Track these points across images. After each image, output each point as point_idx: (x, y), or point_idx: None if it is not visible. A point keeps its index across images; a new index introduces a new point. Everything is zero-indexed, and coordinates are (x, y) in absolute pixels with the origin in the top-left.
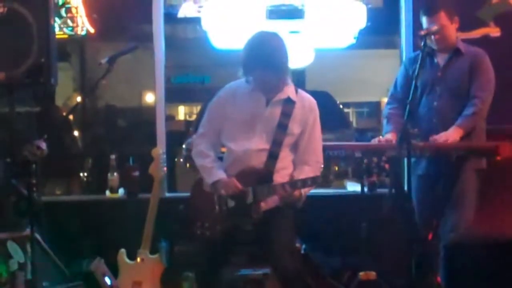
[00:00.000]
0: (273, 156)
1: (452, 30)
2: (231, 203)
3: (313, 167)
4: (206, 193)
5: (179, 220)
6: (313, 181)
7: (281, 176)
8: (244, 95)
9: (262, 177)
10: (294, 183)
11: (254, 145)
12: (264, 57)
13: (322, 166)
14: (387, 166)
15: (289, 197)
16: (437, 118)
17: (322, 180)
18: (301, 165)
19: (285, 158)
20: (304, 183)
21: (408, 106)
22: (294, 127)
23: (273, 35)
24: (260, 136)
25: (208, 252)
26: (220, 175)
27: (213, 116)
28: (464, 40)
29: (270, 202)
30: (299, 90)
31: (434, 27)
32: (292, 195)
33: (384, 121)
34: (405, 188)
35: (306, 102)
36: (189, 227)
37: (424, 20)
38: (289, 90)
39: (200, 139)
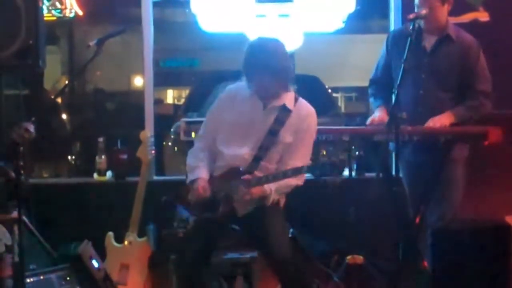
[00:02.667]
0: (257, 159)
1: (442, 12)
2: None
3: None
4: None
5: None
6: (284, 175)
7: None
8: (243, 100)
9: (239, 176)
10: (259, 179)
11: (244, 150)
12: (263, 62)
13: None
14: None
15: (246, 195)
16: (422, 107)
17: (293, 173)
18: (285, 167)
19: (270, 162)
20: (274, 177)
21: (396, 90)
22: (286, 136)
23: (274, 41)
24: (252, 142)
25: (190, 255)
26: (199, 174)
27: (211, 120)
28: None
29: (242, 203)
30: (300, 100)
31: (423, 11)
32: (249, 192)
33: (371, 99)
34: (393, 172)
35: (303, 111)
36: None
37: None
38: (287, 98)
39: (197, 140)
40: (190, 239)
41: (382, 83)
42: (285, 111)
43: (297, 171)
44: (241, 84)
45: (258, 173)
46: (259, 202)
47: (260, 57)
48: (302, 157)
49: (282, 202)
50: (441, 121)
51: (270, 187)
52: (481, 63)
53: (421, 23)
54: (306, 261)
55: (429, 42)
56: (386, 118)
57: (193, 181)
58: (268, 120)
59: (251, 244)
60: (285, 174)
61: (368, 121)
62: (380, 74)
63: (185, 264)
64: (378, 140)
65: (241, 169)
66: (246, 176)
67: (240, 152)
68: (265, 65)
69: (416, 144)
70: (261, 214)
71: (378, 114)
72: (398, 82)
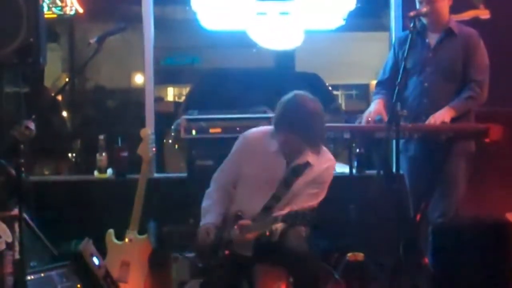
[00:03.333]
0: (267, 208)
1: (444, 8)
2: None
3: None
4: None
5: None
6: (283, 219)
7: None
8: (267, 153)
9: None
10: (253, 226)
11: (260, 200)
12: (297, 122)
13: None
14: None
15: (241, 239)
16: (428, 99)
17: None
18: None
19: (280, 209)
20: (262, 225)
21: (397, 88)
22: (301, 187)
23: (312, 100)
24: (268, 192)
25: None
26: (208, 219)
27: (230, 162)
28: None
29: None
30: (323, 150)
31: (424, 9)
32: (244, 237)
33: (373, 98)
34: (394, 169)
35: (324, 166)
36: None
37: None
38: (310, 153)
39: (213, 181)
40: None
41: (389, 83)
42: (306, 165)
43: (292, 217)
44: (266, 132)
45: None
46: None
47: (294, 116)
48: (311, 201)
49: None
50: (442, 117)
51: (277, 226)
52: (480, 53)
53: (424, 20)
54: None
55: (433, 38)
56: (381, 111)
57: (202, 226)
58: (285, 173)
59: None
60: (276, 220)
61: (364, 118)
62: (389, 75)
63: None
64: (378, 137)
65: (243, 215)
66: (242, 222)
67: (255, 201)
68: (296, 125)
69: (418, 140)
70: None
71: (374, 107)
72: (399, 80)
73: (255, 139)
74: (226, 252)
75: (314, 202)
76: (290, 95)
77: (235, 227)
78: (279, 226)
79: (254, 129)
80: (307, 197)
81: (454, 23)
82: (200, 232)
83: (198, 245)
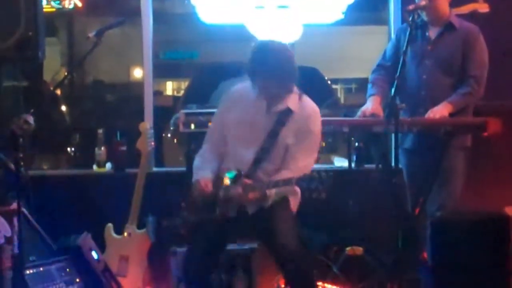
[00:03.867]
0: (257, 162)
1: (442, 3)
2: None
3: (293, 172)
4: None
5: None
6: (284, 183)
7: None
8: (248, 102)
9: (240, 179)
10: (254, 185)
11: (248, 151)
12: (268, 67)
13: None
14: None
15: (242, 197)
16: (426, 91)
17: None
18: (284, 170)
19: (271, 163)
20: (275, 184)
21: (395, 81)
22: (287, 137)
23: (278, 45)
24: (255, 144)
25: (198, 252)
26: (201, 175)
27: (217, 121)
28: None
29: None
30: (304, 98)
31: (422, 2)
32: (246, 196)
33: (369, 86)
34: (393, 163)
35: (305, 111)
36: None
37: None
38: (291, 99)
39: (204, 142)
40: (196, 239)
41: (389, 69)
42: (287, 112)
43: (288, 182)
44: (246, 85)
45: (260, 175)
46: (259, 202)
47: (265, 63)
48: (306, 159)
49: (294, 203)
50: (440, 112)
51: (271, 191)
52: (479, 48)
53: (424, 15)
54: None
55: (433, 32)
56: (378, 109)
57: (196, 181)
58: (269, 123)
59: (258, 241)
60: (277, 184)
61: (359, 112)
62: (390, 62)
63: (192, 266)
64: (377, 131)
65: (242, 172)
66: (246, 181)
67: (244, 154)
68: (270, 71)
69: (416, 134)
70: (270, 212)
71: (371, 104)
72: (397, 74)
73: (236, 91)
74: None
75: (308, 160)
76: (255, 44)
77: (242, 183)
78: (273, 192)
79: (237, 86)
80: (300, 155)
81: (455, 17)
82: (197, 184)
83: (194, 197)
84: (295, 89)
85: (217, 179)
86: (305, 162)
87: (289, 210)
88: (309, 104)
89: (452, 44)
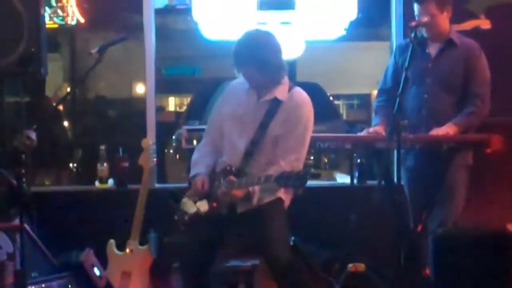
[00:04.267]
0: (247, 155)
1: (443, 20)
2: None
3: (284, 168)
4: None
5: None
6: (276, 181)
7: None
8: (241, 94)
9: (231, 173)
10: (248, 180)
11: (241, 142)
12: (248, 54)
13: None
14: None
15: (225, 195)
16: (427, 110)
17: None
18: (274, 163)
19: (261, 157)
20: (263, 179)
21: (398, 98)
22: (275, 128)
23: (259, 33)
24: (245, 134)
25: (196, 243)
26: (197, 170)
27: (215, 114)
28: None
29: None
30: (294, 89)
31: (424, 19)
32: (229, 193)
33: (373, 114)
34: (395, 180)
35: (294, 100)
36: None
37: (415, 7)
38: (279, 90)
39: (203, 136)
40: (192, 233)
41: (391, 92)
42: (276, 103)
43: (280, 178)
44: (241, 79)
45: (252, 168)
46: (245, 200)
47: (244, 49)
48: (297, 151)
49: (286, 202)
50: (445, 132)
51: (254, 188)
52: (481, 66)
53: (423, 31)
54: (308, 269)
55: (433, 48)
56: (381, 131)
57: (192, 177)
58: (259, 114)
59: (251, 247)
60: (268, 180)
61: (363, 132)
62: (390, 83)
63: (188, 265)
64: (380, 148)
65: (233, 168)
66: (230, 178)
67: (236, 147)
68: (248, 57)
69: (418, 151)
70: (261, 216)
71: (374, 129)
72: (399, 91)
73: (231, 85)
74: (214, 204)
75: (299, 153)
76: (242, 34)
77: (226, 180)
78: (256, 189)
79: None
80: (290, 146)
81: (455, 33)
82: (195, 182)
83: (191, 195)
84: (286, 80)
85: (213, 173)
86: (297, 155)
87: (282, 215)
88: (299, 94)
89: (453, 61)
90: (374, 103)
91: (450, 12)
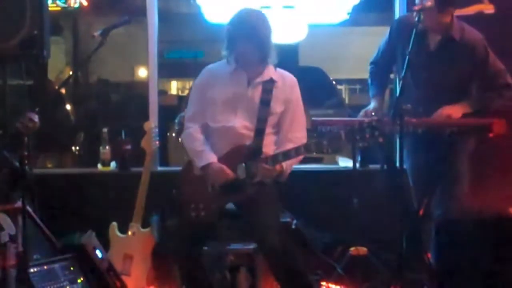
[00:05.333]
0: (260, 133)
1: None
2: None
3: (296, 144)
4: (197, 174)
5: (172, 204)
6: (297, 152)
7: (267, 152)
8: (225, 76)
9: (252, 153)
10: (287, 153)
11: (238, 123)
12: (247, 30)
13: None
14: (378, 124)
15: (271, 172)
16: (424, 107)
17: (305, 150)
18: (285, 142)
19: (269, 136)
20: (287, 155)
21: (401, 82)
22: (277, 106)
23: (257, 11)
24: (243, 115)
25: (194, 231)
26: (210, 158)
27: (197, 99)
28: (458, 17)
29: (260, 178)
30: (278, 69)
31: (428, 3)
32: (274, 170)
33: (369, 80)
34: (397, 164)
35: (287, 80)
36: (183, 210)
37: None
38: (270, 71)
39: (189, 122)
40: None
41: (380, 66)
42: (271, 82)
43: (299, 150)
44: (219, 63)
45: (264, 147)
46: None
47: (245, 25)
48: (301, 129)
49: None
50: (453, 112)
51: (286, 163)
52: (491, 58)
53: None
54: (309, 253)
55: (433, 40)
56: (380, 110)
57: (206, 166)
58: (256, 93)
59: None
60: (288, 155)
61: (362, 112)
62: (380, 58)
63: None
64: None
65: (248, 145)
66: (265, 155)
67: (233, 125)
68: (249, 33)
69: (421, 135)
70: (253, 204)
71: (372, 105)
72: (403, 74)
73: (211, 69)
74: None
75: (304, 131)
76: (239, 11)
77: (262, 158)
78: (288, 164)
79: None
80: (296, 126)
81: (457, 27)
82: (214, 172)
83: (219, 183)
84: (270, 60)
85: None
86: (303, 133)
87: (274, 203)
88: (287, 74)
89: (451, 58)
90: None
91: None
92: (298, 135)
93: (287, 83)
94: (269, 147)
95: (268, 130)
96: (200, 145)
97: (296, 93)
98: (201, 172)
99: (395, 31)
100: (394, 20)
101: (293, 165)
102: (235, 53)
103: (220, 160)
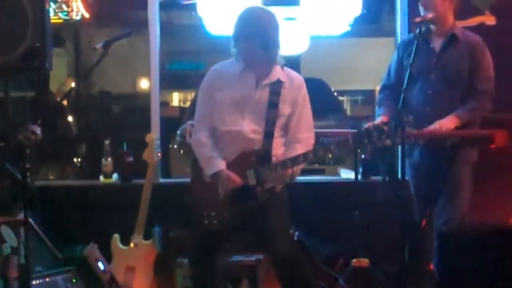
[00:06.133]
0: (268, 135)
1: (449, 15)
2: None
3: (304, 144)
4: (208, 181)
5: (185, 211)
6: (305, 158)
7: (276, 156)
8: (233, 77)
9: (261, 158)
10: (295, 159)
11: (247, 127)
12: (253, 28)
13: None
14: (386, 128)
15: (283, 176)
16: (431, 107)
17: (313, 155)
18: (293, 143)
19: (277, 138)
20: (296, 160)
21: (402, 93)
22: (285, 108)
23: (264, 10)
24: (251, 118)
25: (209, 239)
26: (219, 165)
27: (205, 101)
28: None
29: (270, 184)
30: (285, 69)
31: (429, 15)
32: (285, 174)
33: (376, 108)
34: (399, 175)
35: (294, 81)
36: (196, 218)
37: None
38: (277, 72)
39: (198, 124)
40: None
41: (395, 88)
42: (278, 84)
43: (307, 156)
44: (227, 62)
45: (273, 150)
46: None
47: (253, 24)
48: (309, 129)
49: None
50: (446, 124)
51: (298, 167)
52: (485, 62)
53: (431, 26)
54: (312, 264)
55: (437, 43)
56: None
57: (215, 174)
58: (263, 96)
59: (254, 241)
60: (296, 160)
61: (365, 125)
62: (394, 79)
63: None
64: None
65: (257, 150)
66: (276, 161)
67: (241, 129)
68: (257, 32)
69: (423, 146)
70: (264, 210)
71: (377, 120)
72: (404, 86)
73: (218, 68)
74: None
75: (312, 132)
76: (244, 10)
77: (273, 163)
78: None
79: (216, 65)
80: (304, 127)
81: (459, 28)
82: (223, 179)
83: (228, 190)
84: (277, 60)
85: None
86: (311, 133)
87: (285, 209)
88: (295, 74)
89: (457, 56)
90: (377, 97)
91: (453, 3)
92: (306, 135)
93: (294, 83)
94: (278, 149)
95: (277, 132)
96: (208, 151)
97: (303, 94)
98: (211, 179)
99: (402, 50)
100: (400, 40)
101: (301, 167)
102: (242, 53)
103: (229, 166)
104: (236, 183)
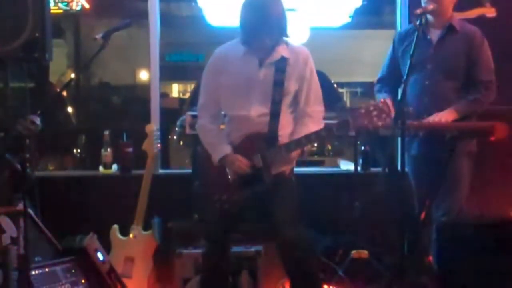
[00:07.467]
0: (274, 116)
1: (449, 6)
2: None
3: (315, 118)
4: (216, 166)
5: (195, 196)
6: (317, 136)
7: (283, 136)
8: (236, 60)
9: (267, 140)
10: (298, 142)
11: (254, 112)
12: (257, 10)
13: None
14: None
15: (290, 158)
16: (428, 97)
17: (315, 137)
18: (303, 118)
19: (285, 117)
20: (299, 143)
21: (402, 85)
22: (291, 85)
23: None
24: (258, 100)
25: (221, 225)
26: (225, 150)
27: (209, 85)
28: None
29: (278, 166)
30: (290, 44)
31: (430, 6)
32: (292, 156)
33: (376, 95)
34: (399, 167)
35: (300, 55)
36: (207, 202)
37: None
38: (281, 49)
39: (201, 111)
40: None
41: (388, 81)
42: (283, 61)
43: (310, 137)
44: (230, 43)
45: (281, 129)
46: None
47: (255, 7)
48: (319, 102)
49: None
50: (445, 117)
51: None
52: (484, 53)
53: (429, 16)
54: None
55: (434, 34)
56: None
57: (222, 159)
58: (268, 75)
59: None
60: (319, 135)
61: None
62: (386, 73)
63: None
64: (384, 135)
65: (263, 133)
66: (282, 143)
67: (249, 112)
68: (259, 15)
69: (422, 138)
70: (274, 193)
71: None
72: (404, 78)
73: (222, 51)
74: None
75: (322, 106)
76: None
77: (280, 146)
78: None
79: (219, 47)
80: (314, 101)
81: (456, 19)
82: (231, 164)
83: (236, 175)
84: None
85: (236, 149)
86: (321, 107)
87: (295, 196)
88: (300, 48)
89: (454, 47)
90: (375, 92)
91: None
92: (317, 109)
93: (299, 58)
94: (285, 129)
95: (284, 110)
96: (213, 135)
97: (310, 67)
98: (219, 163)
99: (397, 43)
100: (396, 33)
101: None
102: (246, 33)
103: (235, 150)
104: (243, 167)
